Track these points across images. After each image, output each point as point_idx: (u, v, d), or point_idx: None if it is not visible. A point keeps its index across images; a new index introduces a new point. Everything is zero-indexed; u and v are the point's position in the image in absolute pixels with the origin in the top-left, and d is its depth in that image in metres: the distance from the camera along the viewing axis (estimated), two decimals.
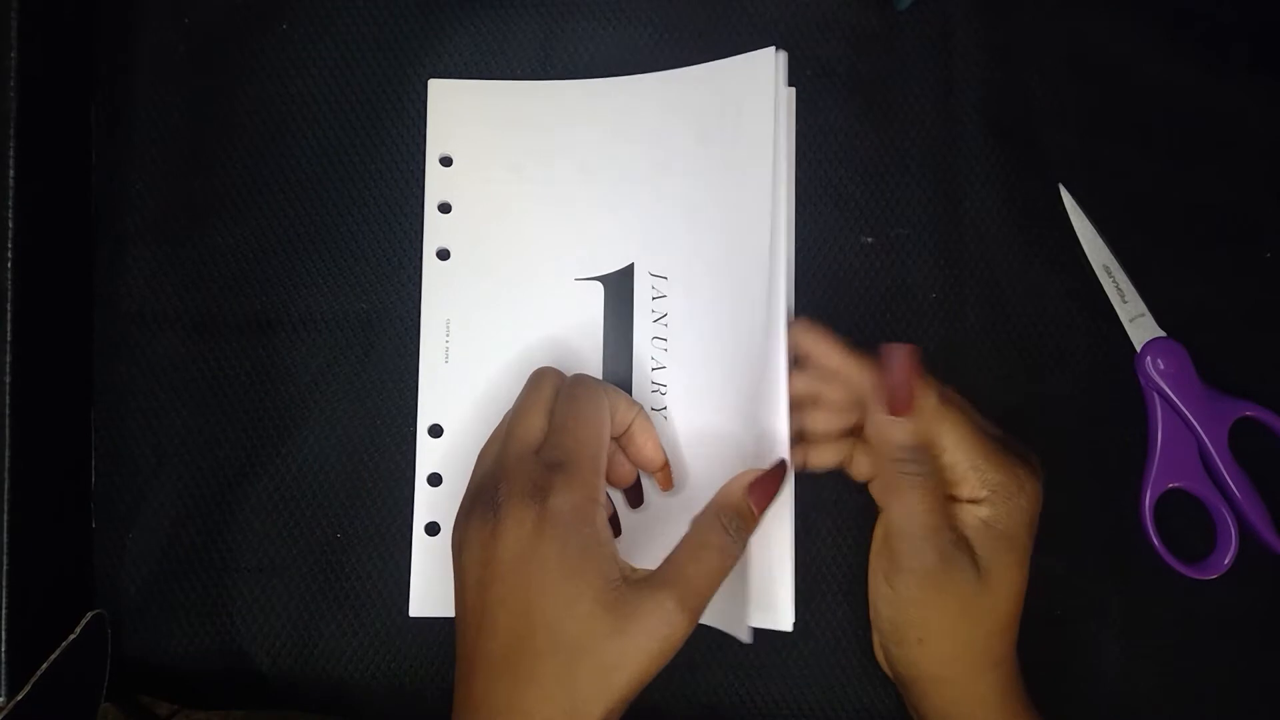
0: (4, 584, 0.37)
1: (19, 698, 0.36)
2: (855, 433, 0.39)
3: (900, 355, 0.36)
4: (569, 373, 0.38)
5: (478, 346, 0.42)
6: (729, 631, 0.38)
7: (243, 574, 0.42)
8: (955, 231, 0.43)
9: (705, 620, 0.34)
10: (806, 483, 0.42)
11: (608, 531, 0.33)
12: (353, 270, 0.43)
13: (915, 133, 0.43)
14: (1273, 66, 0.44)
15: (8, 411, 0.37)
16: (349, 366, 0.43)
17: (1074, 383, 0.43)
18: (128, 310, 0.43)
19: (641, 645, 0.31)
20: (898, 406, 0.36)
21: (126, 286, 0.43)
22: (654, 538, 0.40)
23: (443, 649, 0.42)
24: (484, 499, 0.33)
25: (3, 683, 0.37)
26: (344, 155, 0.44)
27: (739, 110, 0.39)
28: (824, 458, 0.39)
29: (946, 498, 0.36)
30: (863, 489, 0.39)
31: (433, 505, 0.42)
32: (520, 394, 0.37)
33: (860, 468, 0.39)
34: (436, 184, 0.43)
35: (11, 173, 0.38)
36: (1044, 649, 0.41)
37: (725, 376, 0.40)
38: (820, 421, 0.39)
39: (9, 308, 0.37)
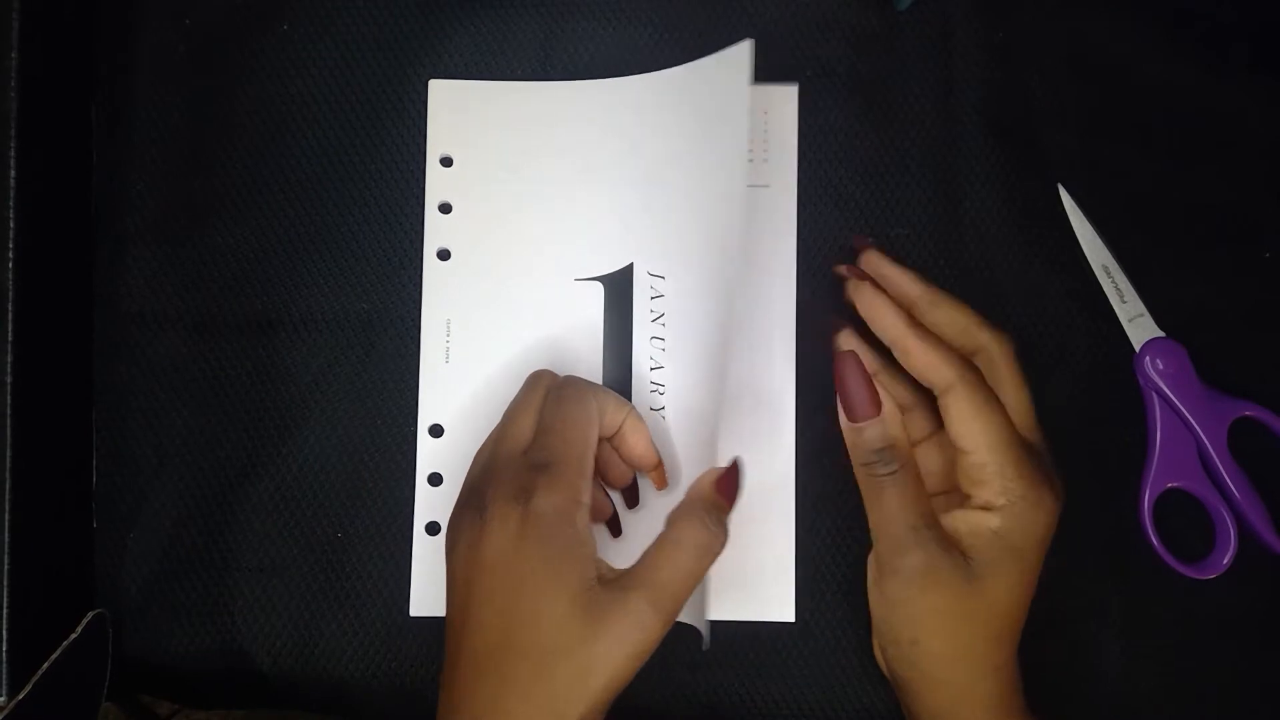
0: (5, 584, 0.37)
1: (20, 697, 0.36)
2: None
3: (849, 363, 0.36)
4: (571, 374, 0.38)
5: (478, 346, 0.42)
6: (692, 623, 0.37)
7: (243, 574, 0.42)
8: (955, 231, 0.43)
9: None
10: (807, 482, 0.42)
11: (589, 532, 0.33)
12: (353, 270, 0.43)
13: (915, 133, 0.44)
14: (1273, 66, 0.44)
15: (8, 411, 0.37)
16: (349, 366, 0.43)
17: (1073, 383, 0.43)
18: (128, 310, 0.43)
19: (614, 649, 0.31)
20: (855, 414, 0.36)
21: (126, 286, 0.43)
22: (652, 538, 0.40)
23: (443, 649, 0.42)
24: (473, 500, 0.34)
25: (3, 682, 0.37)
26: (344, 155, 0.44)
27: (722, 105, 0.39)
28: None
29: (959, 497, 0.36)
30: None
31: (433, 505, 0.42)
32: (515, 396, 0.37)
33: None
34: (437, 184, 0.43)
35: (12, 173, 0.38)
36: (1044, 649, 0.41)
37: (722, 376, 0.40)
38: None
39: (9, 308, 0.37)
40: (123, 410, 0.43)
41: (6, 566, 0.37)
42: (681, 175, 0.41)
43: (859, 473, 0.37)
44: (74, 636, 0.39)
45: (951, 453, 0.36)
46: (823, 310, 0.41)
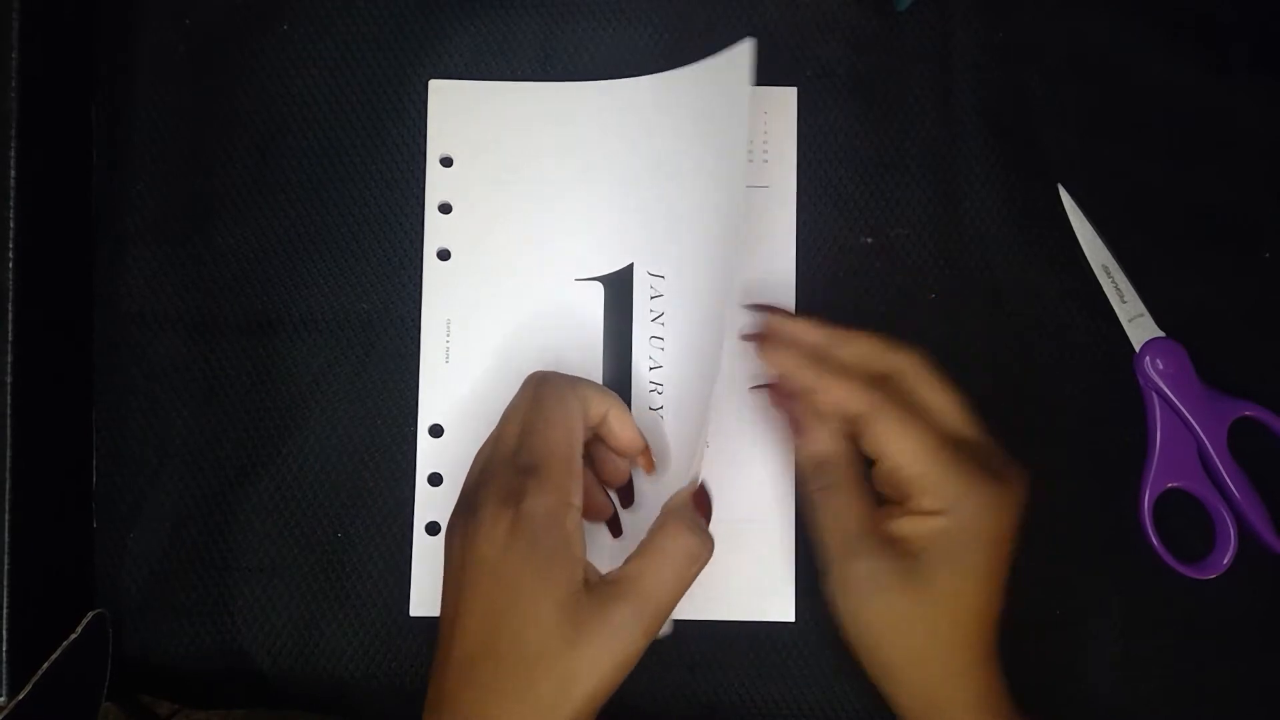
0: (5, 584, 0.37)
1: (20, 697, 0.36)
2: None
3: (769, 395, 0.40)
4: (571, 374, 0.38)
5: (478, 346, 0.43)
6: None
7: (243, 574, 0.42)
8: (955, 231, 0.43)
9: None
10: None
11: (579, 535, 0.33)
12: (353, 270, 0.43)
13: (915, 133, 0.44)
14: (1273, 66, 0.44)
15: (8, 411, 0.37)
16: (350, 367, 0.43)
17: (1073, 383, 0.43)
18: (128, 310, 0.43)
19: (599, 657, 0.31)
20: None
21: (126, 286, 0.43)
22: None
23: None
24: (468, 504, 0.34)
25: (3, 682, 0.37)
26: (344, 155, 0.44)
27: (723, 106, 0.39)
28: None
29: (902, 507, 0.36)
30: None
31: (433, 505, 0.42)
32: (513, 398, 0.37)
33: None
34: (437, 184, 0.43)
35: (12, 173, 0.38)
36: (1044, 649, 0.41)
37: (722, 376, 0.40)
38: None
39: (9, 308, 0.37)
40: (123, 410, 0.43)
41: (6, 566, 0.37)
42: (682, 175, 0.41)
43: (801, 490, 0.38)
44: (74, 636, 0.39)
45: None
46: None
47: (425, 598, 0.42)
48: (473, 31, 0.44)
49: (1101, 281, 0.42)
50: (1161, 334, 0.42)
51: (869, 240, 0.43)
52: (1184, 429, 0.41)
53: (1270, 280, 0.43)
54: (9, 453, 0.37)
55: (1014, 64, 0.44)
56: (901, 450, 0.35)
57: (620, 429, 0.38)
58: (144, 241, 0.43)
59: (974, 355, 0.43)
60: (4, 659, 0.37)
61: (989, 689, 0.36)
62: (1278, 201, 0.43)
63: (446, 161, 0.43)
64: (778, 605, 0.41)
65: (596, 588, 0.32)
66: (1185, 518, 0.42)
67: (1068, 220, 0.43)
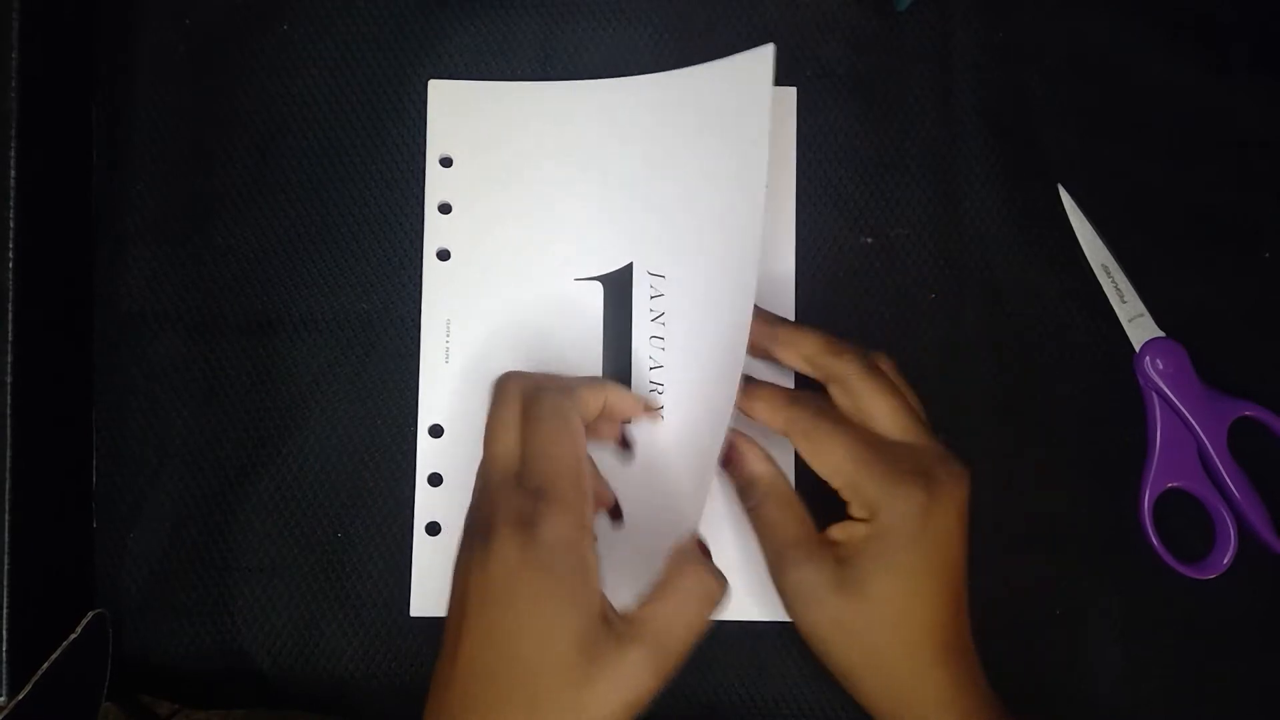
0: (5, 584, 0.37)
1: (20, 697, 0.36)
2: None
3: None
4: (571, 374, 0.38)
5: (478, 346, 0.42)
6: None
7: (243, 574, 0.42)
8: (955, 231, 0.43)
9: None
10: (807, 483, 0.42)
11: (595, 564, 0.32)
12: (353, 270, 0.43)
13: (915, 133, 0.44)
14: (1273, 66, 0.44)
15: (8, 411, 0.37)
16: (349, 367, 0.43)
17: (1073, 383, 0.43)
18: (128, 310, 0.43)
19: (609, 697, 0.30)
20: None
21: (126, 286, 0.43)
22: (654, 528, 0.40)
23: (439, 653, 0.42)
24: (478, 527, 0.33)
25: (3, 682, 0.37)
26: (344, 155, 0.44)
27: (738, 108, 0.39)
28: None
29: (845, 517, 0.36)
30: None
31: (433, 505, 0.42)
32: (489, 410, 0.36)
33: None
34: (437, 184, 0.43)
35: (12, 173, 0.38)
36: (1044, 649, 0.41)
37: (720, 376, 0.40)
38: None
39: (9, 308, 0.37)
40: (122, 410, 0.43)
41: (6, 566, 0.37)
42: (687, 175, 0.41)
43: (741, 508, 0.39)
44: (74, 636, 0.39)
45: None
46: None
47: (425, 598, 0.42)
48: (473, 31, 0.44)
49: (1101, 281, 0.42)
50: (1161, 334, 0.42)
51: (869, 240, 0.43)
52: (1184, 429, 0.41)
53: (1270, 280, 0.43)
54: (9, 453, 0.37)
55: (1014, 64, 0.44)
56: (825, 463, 0.36)
57: (623, 405, 0.39)
58: (144, 241, 0.43)
59: (974, 355, 0.43)
60: (4, 659, 0.37)
61: (957, 688, 0.35)
62: (1278, 201, 0.43)
63: (446, 162, 0.43)
64: (778, 606, 0.41)
65: (614, 625, 0.31)
66: (1185, 518, 0.42)
67: (1068, 220, 0.43)
